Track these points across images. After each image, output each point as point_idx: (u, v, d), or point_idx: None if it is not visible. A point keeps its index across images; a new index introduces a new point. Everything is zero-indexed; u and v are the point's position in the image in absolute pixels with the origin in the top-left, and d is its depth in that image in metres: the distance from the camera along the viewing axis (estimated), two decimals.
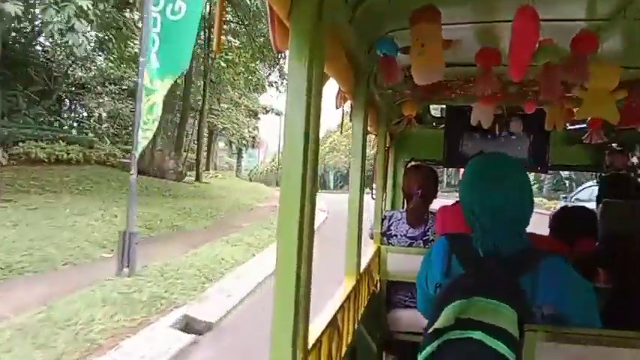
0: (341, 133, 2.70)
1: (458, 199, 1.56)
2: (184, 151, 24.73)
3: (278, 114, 38.54)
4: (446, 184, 32.12)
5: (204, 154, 28.66)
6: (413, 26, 1.76)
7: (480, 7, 1.96)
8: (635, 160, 3.91)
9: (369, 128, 2.79)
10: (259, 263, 9.04)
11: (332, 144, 48.14)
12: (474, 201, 1.46)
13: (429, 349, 1.27)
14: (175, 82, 10.41)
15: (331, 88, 1.94)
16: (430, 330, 1.29)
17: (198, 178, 24.00)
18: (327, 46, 1.37)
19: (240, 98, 33.85)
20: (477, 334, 1.20)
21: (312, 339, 1.37)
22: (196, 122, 26.38)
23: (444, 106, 3.95)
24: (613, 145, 3.90)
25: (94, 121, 21.23)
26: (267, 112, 39.19)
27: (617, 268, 1.74)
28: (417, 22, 1.75)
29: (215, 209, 15.87)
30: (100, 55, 21.33)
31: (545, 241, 2.03)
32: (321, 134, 1.55)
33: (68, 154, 15.63)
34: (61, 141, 16.03)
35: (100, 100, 21.99)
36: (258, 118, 40.32)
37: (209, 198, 18.52)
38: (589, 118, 3.17)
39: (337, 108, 2.26)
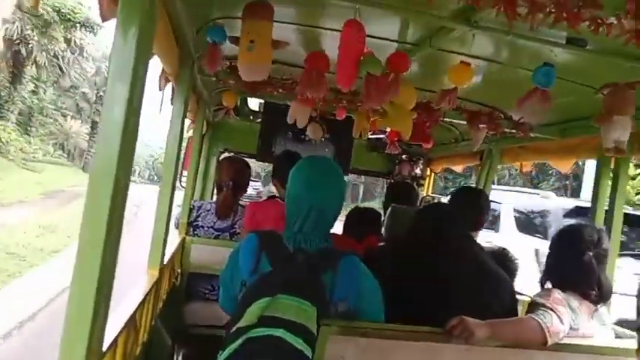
0: (160, 112, 2.52)
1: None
2: None
3: None
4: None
5: None
6: (244, 20, 1.73)
7: (310, 12, 2.03)
8: (418, 170, 4.53)
9: (187, 114, 2.68)
10: None
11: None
12: (310, 203, 1.52)
13: (232, 347, 1.28)
14: None
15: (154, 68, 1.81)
16: (233, 329, 1.30)
17: None
18: (157, 23, 1.26)
19: None
20: (279, 332, 1.26)
21: (107, 340, 1.25)
22: None
23: (262, 101, 4.01)
24: (403, 156, 4.44)
25: None
26: None
27: (395, 265, 1.96)
28: (250, 17, 1.72)
29: None
30: None
31: (342, 240, 2.20)
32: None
33: None
34: None
35: None
36: None
37: None
38: (388, 130, 3.57)
39: (160, 90, 2.12)
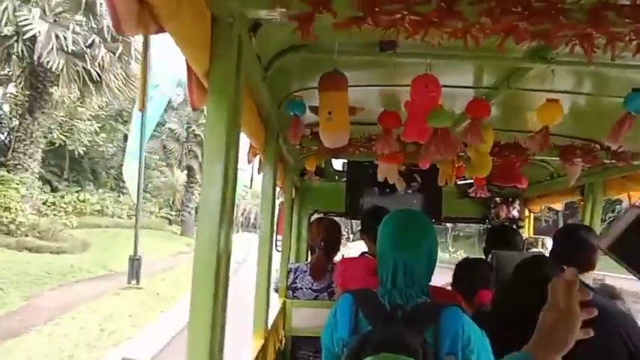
0: (250, 187, 2.70)
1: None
2: None
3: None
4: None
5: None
6: (321, 92, 1.83)
7: (383, 71, 2.10)
8: (515, 212, 4.32)
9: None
10: None
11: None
12: (394, 258, 1.51)
13: None
14: None
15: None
16: None
17: None
18: (243, 104, 1.38)
19: None
20: None
21: None
22: None
23: (345, 161, 4.11)
24: (497, 199, 4.27)
25: None
26: None
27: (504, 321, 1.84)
28: (325, 90, 1.82)
29: None
30: None
31: (442, 292, 2.13)
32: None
33: None
34: None
35: None
36: None
37: None
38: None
39: (249, 163, 2.26)
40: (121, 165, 30.38)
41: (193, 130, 30.36)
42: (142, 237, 22.04)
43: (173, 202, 36.04)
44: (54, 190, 25.22)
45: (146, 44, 0.86)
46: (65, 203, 22.61)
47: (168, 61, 17.46)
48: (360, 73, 2.03)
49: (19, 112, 19.48)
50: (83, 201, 24.80)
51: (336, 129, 1.80)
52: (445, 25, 1.19)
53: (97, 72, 17.20)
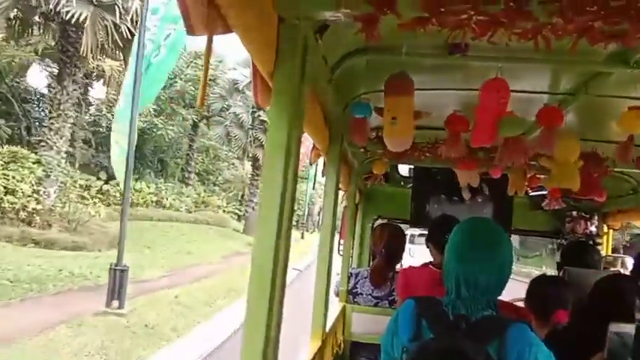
0: (313, 188, 2.74)
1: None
2: None
3: None
4: None
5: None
6: (386, 96, 1.82)
7: (451, 75, 2.06)
8: (593, 228, 4.06)
9: (339, 185, 2.83)
10: None
11: None
12: (459, 269, 1.47)
13: None
14: None
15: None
16: None
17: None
18: (306, 105, 1.40)
19: None
20: None
21: None
22: None
23: (412, 166, 4.05)
24: (574, 212, 4.04)
25: None
26: None
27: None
28: (391, 94, 1.81)
29: None
30: None
31: (511, 308, 2.04)
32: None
33: None
34: None
35: None
36: None
37: None
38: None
39: (311, 164, 2.29)
40: (188, 154, 28.72)
41: (259, 116, 26.15)
42: (197, 234, 21.04)
43: (242, 197, 33.49)
44: (94, 175, 21.92)
45: (210, 44, 0.89)
46: (102, 192, 19.96)
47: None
48: (428, 77, 2.00)
49: (49, 82, 17.06)
50: (139, 190, 22.86)
51: (400, 134, 1.79)
52: (514, 26, 1.15)
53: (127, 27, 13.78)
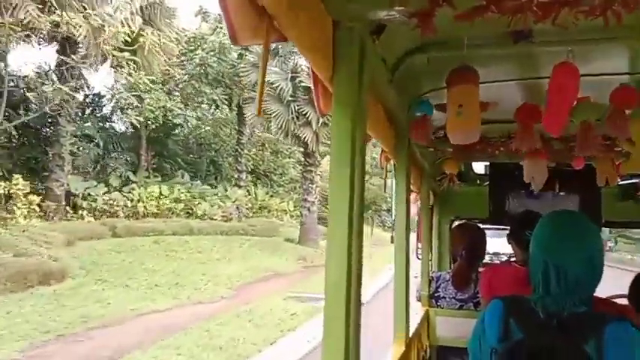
0: (384, 191, 2.75)
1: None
2: None
3: None
4: None
5: None
6: (450, 87, 1.78)
7: (518, 64, 1.98)
8: None
9: (411, 187, 2.79)
10: None
11: None
12: (545, 262, 1.39)
13: None
14: None
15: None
16: None
17: None
18: (369, 108, 1.40)
19: None
20: None
21: None
22: None
23: (487, 164, 3.92)
24: None
25: None
26: None
27: None
28: (455, 84, 1.76)
29: None
30: None
31: (609, 305, 1.91)
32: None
33: None
34: None
35: None
36: None
37: None
38: None
39: (382, 168, 2.28)
40: (236, 149, 22.10)
41: (301, 82, 19.10)
42: (223, 250, 15.76)
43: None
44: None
45: (266, 53, 0.91)
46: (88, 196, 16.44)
47: None
48: (492, 69, 1.94)
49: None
50: (161, 196, 18.89)
51: (466, 125, 1.72)
52: (580, 3, 1.09)
53: None
